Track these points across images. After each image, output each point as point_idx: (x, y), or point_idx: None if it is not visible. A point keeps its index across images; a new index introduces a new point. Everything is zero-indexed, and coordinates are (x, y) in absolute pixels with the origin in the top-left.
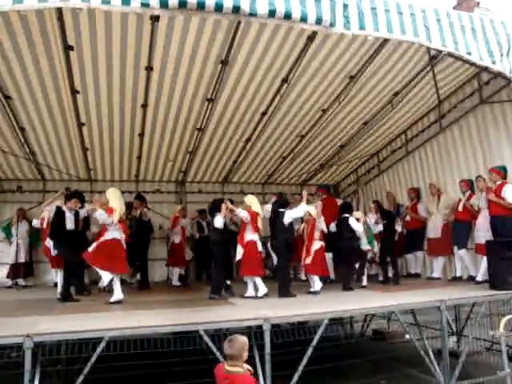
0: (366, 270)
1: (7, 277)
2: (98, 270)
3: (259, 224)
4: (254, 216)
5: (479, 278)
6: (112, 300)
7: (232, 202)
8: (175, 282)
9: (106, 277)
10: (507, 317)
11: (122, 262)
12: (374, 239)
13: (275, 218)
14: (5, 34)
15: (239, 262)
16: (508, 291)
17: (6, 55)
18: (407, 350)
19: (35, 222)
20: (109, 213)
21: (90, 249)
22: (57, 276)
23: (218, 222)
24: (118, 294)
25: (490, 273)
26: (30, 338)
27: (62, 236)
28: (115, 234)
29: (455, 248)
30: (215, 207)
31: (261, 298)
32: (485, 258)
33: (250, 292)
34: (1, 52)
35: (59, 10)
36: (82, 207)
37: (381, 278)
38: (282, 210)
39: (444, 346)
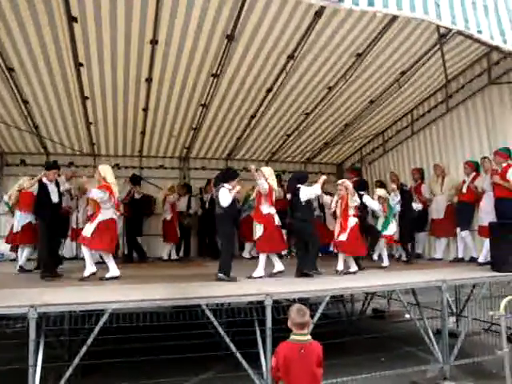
0: (385, 250)
1: (11, 250)
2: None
3: (273, 198)
4: (270, 189)
5: (481, 259)
6: (108, 276)
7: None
8: (165, 256)
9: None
10: (508, 297)
11: (112, 241)
12: (394, 219)
13: (292, 194)
14: (7, 5)
15: (260, 240)
16: (509, 273)
17: (9, 26)
18: (406, 329)
19: (5, 198)
20: (105, 189)
21: (88, 233)
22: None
23: (225, 198)
24: (114, 270)
25: (492, 255)
26: (34, 309)
27: (49, 210)
28: (111, 213)
29: (458, 229)
30: (223, 177)
31: (275, 274)
32: (487, 239)
33: (260, 272)
34: (4, 23)
35: None
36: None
37: (404, 258)
38: (298, 185)
39: (444, 325)
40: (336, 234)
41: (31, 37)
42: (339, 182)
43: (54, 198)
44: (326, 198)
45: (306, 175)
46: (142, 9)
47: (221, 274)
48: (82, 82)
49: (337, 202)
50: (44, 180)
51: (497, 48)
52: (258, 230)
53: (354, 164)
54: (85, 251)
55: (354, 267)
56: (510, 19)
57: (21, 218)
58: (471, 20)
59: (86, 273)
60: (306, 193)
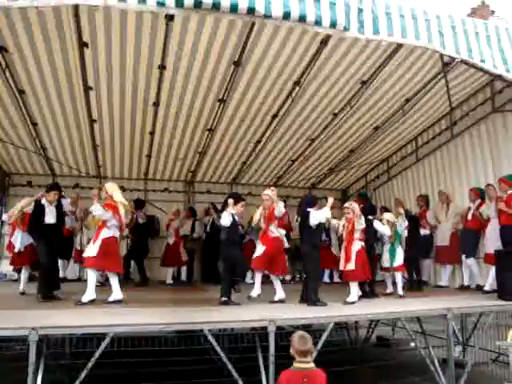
0: (389, 278)
1: (13, 270)
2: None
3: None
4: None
5: (487, 287)
6: (111, 299)
7: (243, 199)
8: (169, 280)
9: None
10: None
11: (119, 261)
12: (400, 246)
13: (302, 218)
14: (22, 29)
15: (257, 258)
16: None
17: (22, 50)
18: (412, 358)
19: (5, 217)
20: (108, 208)
21: (93, 253)
22: (19, 273)
23: (224, 219)
24: (118, 293)
25: (499, 283)
26: (35, 331)
27: (41, 230)
28: (113, 231)
29: (463, 256)
30: (223, 204)
31: (276, 302)
32: (493, 267)
33: (257, 290)
34: (17, 47)
35: (76, 7)
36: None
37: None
38: (309, 209)
39: (450, 355)
40: (342, 261)
41: (43, 61)
42: (346, 204)
43: (49, 220)
44: (334, 222)
45: (315, 199)
46: (151, 35)
47: (223, 298)
48: (90, 105)
49: (344, 225)
50: (43, 201)
51: (500, 77)
52: (259, 250)
53: (362, 189)
54: (90, 276)
55: (355, 297)
56: None
57: (23, 239)
58: (474, 49)
59: (85, 299)
60: (316, 217)
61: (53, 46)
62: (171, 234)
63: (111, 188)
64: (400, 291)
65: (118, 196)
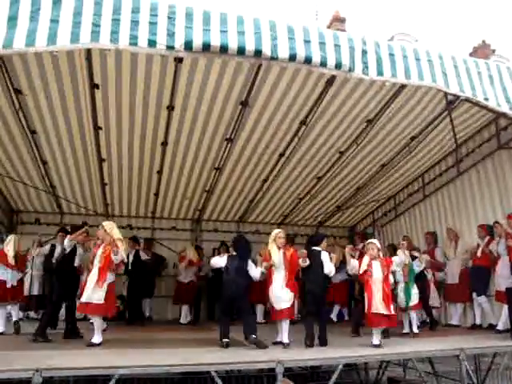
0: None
1: (19, 309)
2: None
3: None
4: None
5: (500, 326)
6: (94, 341)
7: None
8: (187, 318)
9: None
10: None
11: (113, 303)
12: (414, 284)
13: (310, 257)
14: (36, 72)
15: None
16: None
17: (36, 92)
18: None
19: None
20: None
21: (101, 299)
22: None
23: (256, 272)
24: (98, 337)
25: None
26: (39, 373)
27: (70, 274)
28: (113, 275)
29: (474, 294)
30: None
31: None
32: (505, 305)
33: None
34: (31, 89)
35: (88, 50)
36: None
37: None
38: (317, 248)
39: None
40: (381, 303)
41: (55, 101)
42: (372, 241)
43: (77, 262)
44: (354, 262)
45: (318, 237)
46: (160, 76)
47: (254, 336)
48: (99, 145)
49: (369, 264)
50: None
51: (504, 114)
52: (291, 299)
53: (366, 229)
54: (96, 320)
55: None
56: None
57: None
58: (478, 88)
59: (96, 340)
60: (329, 267)
61: (65, 87)
62: (190, 272)
63: (109, 226)
64: (415, 329)
65: (117, 233)
